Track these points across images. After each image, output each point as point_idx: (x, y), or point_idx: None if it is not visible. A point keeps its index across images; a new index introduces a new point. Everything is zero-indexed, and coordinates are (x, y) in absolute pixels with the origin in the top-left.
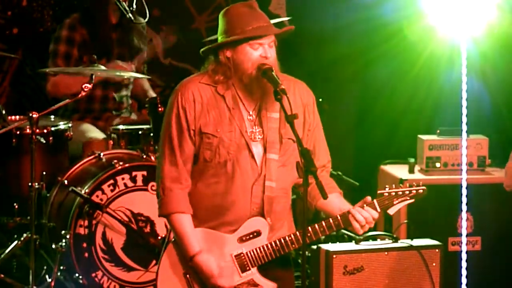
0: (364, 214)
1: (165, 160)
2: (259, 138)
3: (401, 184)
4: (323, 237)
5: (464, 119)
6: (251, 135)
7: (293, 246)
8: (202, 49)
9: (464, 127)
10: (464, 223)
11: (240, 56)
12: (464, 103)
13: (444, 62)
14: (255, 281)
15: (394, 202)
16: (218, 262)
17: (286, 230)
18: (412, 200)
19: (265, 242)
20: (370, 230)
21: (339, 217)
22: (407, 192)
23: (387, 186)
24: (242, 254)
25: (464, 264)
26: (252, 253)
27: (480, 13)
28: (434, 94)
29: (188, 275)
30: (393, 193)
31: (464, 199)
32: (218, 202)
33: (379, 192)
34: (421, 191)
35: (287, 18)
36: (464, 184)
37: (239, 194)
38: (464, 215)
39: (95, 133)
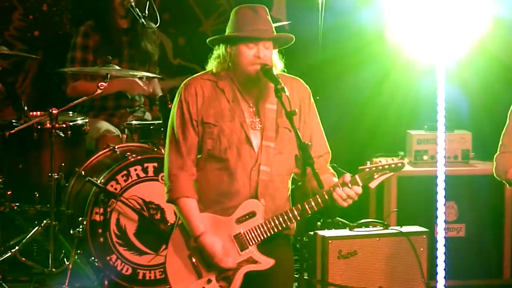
0: (346, 190)
1: (171, 150)
2: (259, 127)
3: (380, 160)
4: (319, 223)
5: (441, 117)
6: (251, 125)
7: (286, 223)
8: (208, 39)
9: (441, 124)
10: (441, 211)
11: (237, 53)
12: (442, 103)
13: (422, 66)
14: (254, 259)
15: (375, 176)
16: (222, 243)
17: (282, 211)
18: (392, 174)
19: (261, 221)
20: (362, 218)
21: (325, 194)
22: (386, 166)
23: (368, 161)
24: (240, 234)
25: (442, 249)
26: (249, 232)
27: (458, 20)
28: (414, 94)
29: (193, 257)
30: (374, 168)
31: (441, 189)
32: (221, 188)
33: (360, 168)
34: (399, 164)
35: (287, 22)
36: (442, 176)
37: (239, 180)
38: (441, 203)
39: (108, 130)
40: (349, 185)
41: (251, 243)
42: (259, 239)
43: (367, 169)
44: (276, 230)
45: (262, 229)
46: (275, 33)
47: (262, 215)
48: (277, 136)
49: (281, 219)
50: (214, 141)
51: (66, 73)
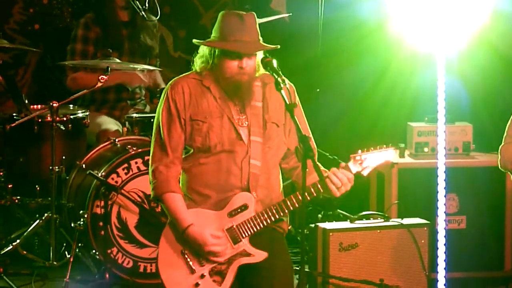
0: (340, 175)
1: (156, 147)
2: (246, 124)
3: (372, 148)
4: (320, 216)
5: (442, 109)
6: (238, 122)
7: (279, 214)
8: (194, 40)
9: (442, 116)
10: (442, 203)
11: (220, 62)
12: (442, 95)
13: (423, 58)
14: (247, 251)
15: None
16: (211, 233)
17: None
18: (383, 161)
19: (253, 214)
20: (363, 210)
21: (317, 183)
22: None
23: (360, 149)
24: (232, 227)
25: (443, 241)
26: (241, 225)
27: (458, 12)
28: (414, 86)
29: (185, 253)
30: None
31: (442, 181)
32: (213, 182)
33: (352, 155)
34: (390, 151)
35: (287, 15)
36: (442, 168)
37: (231, 173)
38: (442, 196)
39: (109, 125)
40: (342, 171)
41: (243, 236)
42: (251, 231)
43: (358, 157)
44: (269, 221)
45: (254, 222)
46: (261, 42)
47: (254, 208)
48: (265, 132)
49: (274, 210)
50: (203, 138)
51: (66, 65)
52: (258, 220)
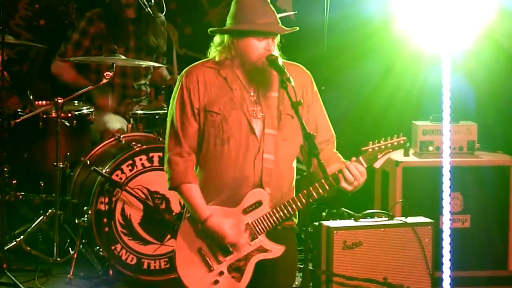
0: (352, 170)
1: (170, 137)
2: (260, 115)
3: (382, 139)
4: (324, 214)
5: (447, 108)
6: (252, 113)
7: (293, 209)
8: (210, 29)
9: (447, 115)
10: (446, 202)
11: (245, 45)
12: (447, 94)
13: (428, 56)
14: (264, 247)
15: (378, 156)
16: (229, 222)
17: (287, 199)
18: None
19: (268, 210)
20: (367, 209)
21: (330, 178)
22: (389, 145)
23: (370, 142)
24: (248, 224)
25: (447, 240)
26: (257, 222)
27: (464, 11)
28: (420, 85)
29: (203, 250)
30: (376, 148)
31: (447, 180)
32: (225, 178)
33: (363, 149)
34: (402, 141)
35: (293, 13)
36: (447, 166)
37: (244, 168)
38: (446, 194)
39: (113, 124)
40: (354, 166)
41: (260, 233)
42: (267, 228)
43: (370, 149)
44: (284, 218)
45: (270, 219)
46: (280, 24)
47: (268, 204)
48: (280, 123)
49: (289, 207)
50: (216, 129)
51: (58, 52)
52: (273, 216)
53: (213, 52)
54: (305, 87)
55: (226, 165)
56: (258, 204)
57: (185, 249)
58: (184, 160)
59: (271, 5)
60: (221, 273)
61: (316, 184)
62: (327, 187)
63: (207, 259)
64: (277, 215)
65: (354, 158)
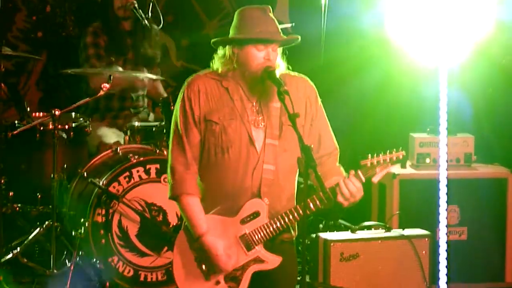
0: (350, 186)
1: (174, 147)
2: (262, 125)
3: (382, 153)
4: (321, 226)
5: (444, 121)
6: (254, 123)
7: (291, 222)
8: (213, 40)
9: (443, 127)
10: (443, 214)
11: (245, 54)
12: (444, 106)
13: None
14: (261, 258)
15: (377, 171)
16: (224, 244)
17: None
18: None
19: (265, 221)
20: (364, 221)
21: (328, 191)
22: (388, 159)
23: (369, 154)
24: (245, 235)
25: (444, 253)
26: (254, 233)
27: (461, 24)
28: (416, 98)
29: (200, 259)
30: (375, 162)
31: (443, 193)
32: (224, 187)
33: (362, 162)
34: (401, 156)
35: (289, 25)
36: (444, 179)
37: (242, 179)
38: (443, 207)
39: (108, 139)
40: (352, 181)
41: (257, 243)
42: (264, 239)
43: (369, 164)
44: (281, 229)
45: (267, 229)
46: (281, 34)
47: (266, 215)
48: (281, 134)
49: (286, 218)
50: (216, 138)
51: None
52: (271, 227)
53: (217, 64)
54: (309, 99)
55: (225, 174)
56: (256, 214)
57: (183, 258)
58: (187, 171)
59: (272, 16)
60: (218, 282)
61: (314, 196)
62: (324, 200)
63: (204, 268)
64: (274, 226)
65: (352, 172)
